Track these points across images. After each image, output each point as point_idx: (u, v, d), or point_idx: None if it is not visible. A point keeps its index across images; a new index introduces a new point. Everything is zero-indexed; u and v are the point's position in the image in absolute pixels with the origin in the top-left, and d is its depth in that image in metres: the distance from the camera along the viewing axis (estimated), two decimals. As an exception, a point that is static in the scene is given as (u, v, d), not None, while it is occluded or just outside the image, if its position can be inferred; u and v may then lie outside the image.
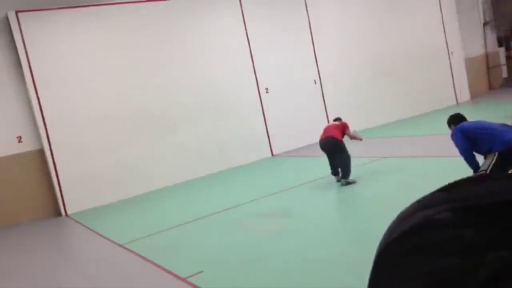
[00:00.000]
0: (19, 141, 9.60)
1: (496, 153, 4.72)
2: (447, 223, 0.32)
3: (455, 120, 5.29)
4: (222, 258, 5.41)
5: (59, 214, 9.63)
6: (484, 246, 0.29)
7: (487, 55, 17.21)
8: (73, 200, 9.67)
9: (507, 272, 0.27)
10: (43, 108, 9.56)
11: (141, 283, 5.16)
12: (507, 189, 0.32)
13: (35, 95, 9.50)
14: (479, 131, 4.93)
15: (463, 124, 5.16)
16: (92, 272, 5.85)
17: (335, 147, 7.66)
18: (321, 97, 12.95)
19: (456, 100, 15.29)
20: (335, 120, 8.51)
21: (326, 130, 8.00)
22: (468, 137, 4.95)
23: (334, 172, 7.86)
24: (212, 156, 11.10)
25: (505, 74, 17.73)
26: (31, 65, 9.47)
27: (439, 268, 0.30)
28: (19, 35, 9.40)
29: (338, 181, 7.77)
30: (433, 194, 0.35)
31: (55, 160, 9.62)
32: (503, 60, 17.57)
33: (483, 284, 0.28)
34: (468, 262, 0.29)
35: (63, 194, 9.66)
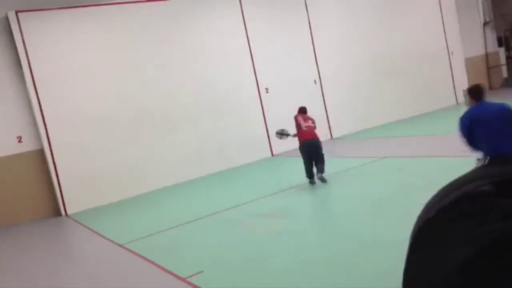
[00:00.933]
0: (19, 141, 9.59)
1: (488, 158, 4.66)
2: (490, 193, 0.34)
3: (475, 94, 4.95)
4: (222, 258, 5.41)
5: (59, 214, 9.63)
6: None
7: (487, 55, 17.22)
8: (73, 200, 9.67)
9: None
10: (43, 108, 9.56)
11: (141, 283, 5.15)
12: None
13: (35, 95, 9.50)
14: (481, 129, 4.80)
15: (475, 111, 4.88)
16: (92, 272, 5.85)
17: (320, 148, 7.87)
18: (321, 97, 12.95)
19: (456, 100, 15.29)
20: (303, 111, 8.29)
21: (309, 129, 7.96)
22: (470, 127, 4.79)
23: (311, 175, 7.90)
24: (212, 156, 11.10)
25: (505, 74, 17.73)
26: (31, 65, 9.47)
27: (491, 231, 0.32)
28: (19, 35, 9.40)
29: (313, 183, 7.88)
30: (473, 171, 0.38)
31: (55, 160, 9.62)
32: (503, 60, 17.58)
33: None
34: None
35: (63, 194, 9.66)
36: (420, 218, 0.39)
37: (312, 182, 7.89)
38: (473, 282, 0.32)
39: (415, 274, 0.38)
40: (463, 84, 15.51)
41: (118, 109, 10.18)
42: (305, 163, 7.89)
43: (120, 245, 6.57)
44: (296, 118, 8.10)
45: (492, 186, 0.35)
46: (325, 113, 12.91)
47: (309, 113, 12.60)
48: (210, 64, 11.32)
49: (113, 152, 10.08)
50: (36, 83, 9.50)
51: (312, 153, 7.81)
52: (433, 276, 0.35)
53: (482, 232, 0.33)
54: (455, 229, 0.35)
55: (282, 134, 8.29)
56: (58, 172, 9.63)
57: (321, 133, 12.73)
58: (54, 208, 9.69)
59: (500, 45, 17.55)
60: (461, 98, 15.40)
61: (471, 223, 0.34)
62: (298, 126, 7.98)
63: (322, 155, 7.85)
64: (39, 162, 9.68)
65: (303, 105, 8.60)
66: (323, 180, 7.84)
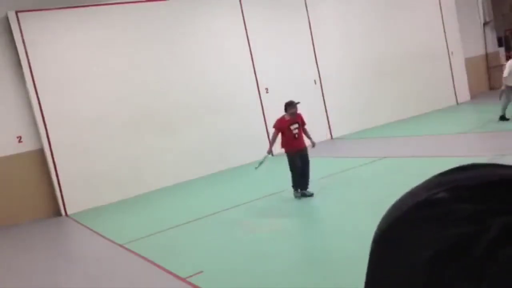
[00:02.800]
0: (19, 141, 9.59)
1: None
2: (446, 200, 0.36)
3: None
4: (222, 258, 5.41)
5: (59, 214, 9.63)
6: (483, 215, 0.33)
7: (487, 55, 17.21)
8: (73, 200, 9.67)
9: (504, 235, 0.31)
10: (43, 108, 9.56)
11: (141, 283, 5.16)
12: (488, 173, 0.38)
13: (35, 95, 9.50)
14: None
15: None
16: (92, 272, 5.85)
17: (308, 162, 7.23)
18: (321, 97, 12.95)
19: (456, 100, 15.29)
20: (291, 106, 7.42)
21: (299, 136, 7.25)
22: None
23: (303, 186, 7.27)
24: (212, 156, 11.10)
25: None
26: (31, 65, 9.47)
27: (447, 235, 0.33)
28: (19, 35, 9.40)
29: (299, 196, 7.20)
30: (428, 180, 0.40)
31: (55, 160, 9.62)
32: (503, 60, 17.57)
33: (490, 243, 0.31)
34: (472, 228, 0.32)
35: (63, 194, 9.66)
36: (380, 226, 0.40)
37: (299, 195, 7.25)
38: (431, 286, 0.33)
39: (376, 279, 0.39)
40: (463, 84, 15.52)
41: (118, 109, 10.18)
42: (296, 174, 7.18)
43: (120, 245, 6.57)
44: (282, 126, 7.29)
45: (446, 192, 0.37)
46: (325, 113, 12.91)
47: (309, 113, 12.65)
48: (210, 64, 11.32)
49: (113, 152, 10.08)
50: (36, 83, 9.50)
51: (303, 166, 7.13)
52: (393, 281, 0.36)
53: (438, 237, 0.34)
54: (414, 235, 0.36)
55: (261, 162, 7.49)
56: (58, 172, 9.63)
57: (321, 133, 12.78)
58: (54, 208, 9.69)
59: (500, 45, 17.54)
60: (465, 97, 15.40)
61: (429, 228, 0.35)
62: (283, 134, 7.25)
63: (308, 164, 7.19)
64: (39, 162, 9.68)
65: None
66: (309, 194, 7.25)
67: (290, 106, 7.41)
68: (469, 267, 0.31)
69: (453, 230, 0.33)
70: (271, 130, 7.80)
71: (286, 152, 7.37)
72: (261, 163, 7.54)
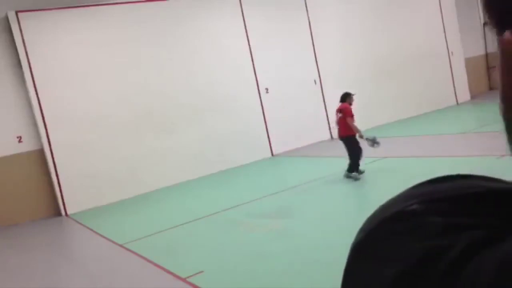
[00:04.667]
0: (19, 141, 9.60)
1: None
2: (418, 212, 0.36)
3: None
4: (222, 258, 5.41)
5: (59, 214, 9.63)
6: (454, 228, 0.33)
7: (487, 55, 17.21)
8: (73, 200, 9.67)
9: (476, 246, 0.31)
10: (43, 108, 9.56)
11: (141, 283, 5.16)
12: (460, 186, 0.38)
13: (35, 95, 9.50)
14: None
15: None
16: (92, 272, 5.85)
17: (345, 143, 7.81)
18: (321, 97, 12.95)
19: (456, 100, 15.29)
20: (341, 99, 8.05)
21: (339, 124, 7.90)
22: None
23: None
24: (212, 156, 11.10)
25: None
26: (31, 65, 9.47)
27: (417, 249, 0.33)
28: (19, 35, 9.40)
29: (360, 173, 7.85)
30: (402, 192, 0.41)
31: (55, 160, 9.62)
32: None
33: (455, 258, 0.31)
34: (441, 242, 0.32)
35: (63, 194, 9.66)
36: (355, 237, 0.41)
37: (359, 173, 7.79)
38: None
39: None
40: (463, 84, 15.52)
41: (118, 109, 10.18)
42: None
43: (120, 245, 6.58)
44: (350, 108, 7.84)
45: (418, 205, 0.37)
46: (325, 113, 12.91)
47: (309, 113, 12.68)
48: (210, 64, 11.32)
49: (113, 152, 10.09)
50: (36, 83, 9.50)
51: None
52: None
53: (407, 251, 0.34)
54: (385, 248, 0.36)
55: (374, 141, 7.80)
56: (58, 172, 9.63)
57: (321, 133, 12.78)
58: (54, 208, 9.69)
59: (500, 45, 17.53)
60: (465, 97, 15.41)
61: (399, 241, 0.35)
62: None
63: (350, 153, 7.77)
64: (39, 162, 9.68)
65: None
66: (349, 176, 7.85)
67: (351, 95, 8.06)
68: (434, 284, 0.31)
69: (422, 244, 0.33)
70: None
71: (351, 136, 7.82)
72: (374, 143, 7.76)
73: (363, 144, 7.76)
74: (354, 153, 7.72)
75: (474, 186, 0.37)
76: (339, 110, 7.88)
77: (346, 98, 8.00)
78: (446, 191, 0.38)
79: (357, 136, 7.67)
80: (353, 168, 7.77)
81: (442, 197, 0.37)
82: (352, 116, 7.73)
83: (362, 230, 0.40)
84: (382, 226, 0.38)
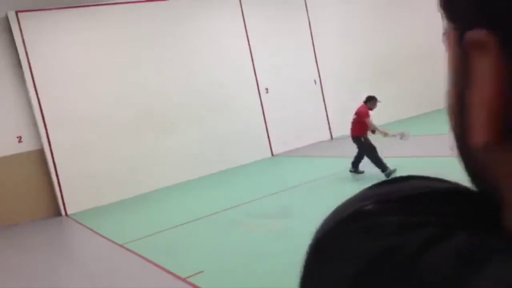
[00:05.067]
0: (19, 141, 9.60)
1: None
2: (373, 212, 0.37)
3: None
4: (222, 258, 5.41)
5: (59, 214, 9.63)
6: (408, 227, 0.34)
7: (487, 55, 17.21)
8: (73, 200, 9.67)
9: (431, 242, 0.32)
10: (43, 108, 9.56)
11: (141, 283, 5.16)
12: (417, 186, 0.39)
13: (35, 95, 9.50)
14: None
15: None
16: (92, 272, 5.85)
17: (356, 144, 7.89)
18: (321, 97, 12.95)
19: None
20: (364, 100, 8.18)
21: (352, 124, 8.04)
22: None
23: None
24: (212, 156, 11.10)
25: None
26: (31, 65, 9.47)
27: (375, 247, 0.34)
28: (19, 35, 9.40)
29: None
30: (358, 193, 0.42)
31: (55, 160, 9.62)
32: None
33: (416, 252, 0.32)
34: (398, 239, 0.33)
35: (63, 194, 9.66)
36: (313, 237, 0.41)
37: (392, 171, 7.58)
38: None
39: None
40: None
41: (118, 109, 10.18)
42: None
43: (120, 245, 6.58)
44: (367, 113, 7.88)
45: (375, 205, 0.38)
46: (325, 113, 12.91)
47: (309, 113, 12.68)
48: (210, 64, 11.32)
49: (113, 152, 10.09)
50: (36, 83, 9.50)
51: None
52: None
53: (364, 250, 0.34)
54: (341, 248, 0.37)
55: (402, 135, 7.83)
56: (58, 172, 9.63)
57: (321, 133, 12.78)
58: (54, 208, 9.69)
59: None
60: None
61: (356, 241, 0.36)
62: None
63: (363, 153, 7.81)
64: (39, 162, 9.68)
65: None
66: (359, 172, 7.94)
67: (375, 101, 8.17)
68: (394, 279, 0.32)
69: (380, 242, 0.34)
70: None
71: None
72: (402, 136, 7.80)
73: (378, 142, 7.77)
74: (367, 152, 7.71)
75: (422, 187, 0.39)
76: (356, 113, 8.04)
77: (368, 101, 8.08)
78: (398, 192, 0.39)
79: (368, 133, 7.73)
80: (379, 167, 7.58)
81: (395, 197, 0.38)
82: (367, 117, 7.83)
83: (319, 230, 0.41)
84: (339, 226, 0.38)
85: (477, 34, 0.29)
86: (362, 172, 7.97)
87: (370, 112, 7.98)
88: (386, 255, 0.33)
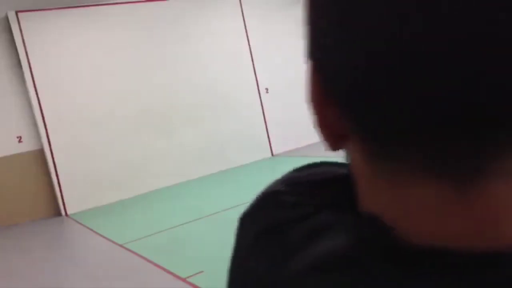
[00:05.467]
0: (19, 141, 9.60)
1: None
2: (281, 192, 0.47)
3: None
4: (223, 258, 5.36)
5: (59, 214, 9.63)
6: (298, 205, 0.44)
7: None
8: (73, 200, 9.67)
9: (300, 219, 0.42)
10: (43, 108, 9.56)
11: (141, 283, 5.16)
12: (317, 173, 0.49)
13: (35, 95, 9.50)
14: None
15: None
16: (92, 272, 5.85)
17: None
18: (321, 97, 12.95)
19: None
20: None
21: None
22: None
23: None
24: (212, 156, 11.10)
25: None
26: (31, 65, 9.47)
27: (274, 217, 0.45)
28: (19, 35, 9.40)
29: None
30: (282, 176, 0.52)
31: (55, 160, 9.62)
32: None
33: (288, 227, 0.42)
34: (288, 214, 0.44)
35: (63, 194, 9.66)
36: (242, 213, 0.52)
37: None
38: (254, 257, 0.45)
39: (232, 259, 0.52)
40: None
41: (118, 109, 10.18)
42: None
43: (120, 245, 6.58)
44: None
45: (285, 187, 0.49)
46: (325, 113, 12.91)
47: (309, 113, 12.66)
48: (210, 64, 11.32)
49: (113, 152, 10.09)
50: (36, 83, 9.50)
51: None
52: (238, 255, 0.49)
53: (268, 218, 0.46)
54: (256, 218, 0.48)
55: None
56: (58, 172, 9.63)
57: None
58: (54, 208, 9.69)
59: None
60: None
61: (265, 213, 0.47)
62: None
63: None
64: (39, 162, 9.68)
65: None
66: None
67: None
68: (273, 244, 0.43)
69: (276, 215, 0.45)
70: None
71: None
72: None
73: None
74: None
75: (327, 172, 0.48)
76: None
77: None
78: (307, 176, 0.49)
79: None
80: None
81: (304, 181, 0.48)
82: None
83: (248, 206, 0.52)
84: (257, 202, 0.50)
85: (309, 63, 0.43)
86: None
87: None
88: (275, 224, 0.44)
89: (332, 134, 0.39)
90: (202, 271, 5.01)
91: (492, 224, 0.32)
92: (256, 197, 0.51)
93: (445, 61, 0.28)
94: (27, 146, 9.65)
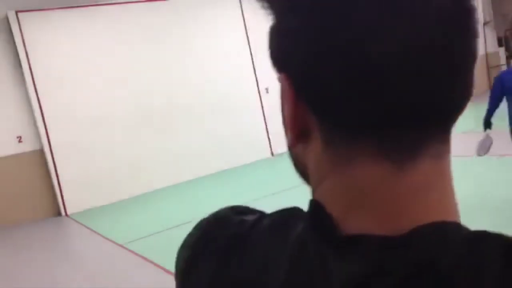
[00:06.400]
0: (19, 141, 9.60)
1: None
2: (230, 214, 0.69)
3: None
4: (222, 258, 5.40)
5: (59, 214, 9.63)
6: (244, 221, 0.62)
7: (487, 55, 17.21)
8: (73, 200, 9.67)
9: (254, 223, 0.60)
10: (43, 108, 9.56)
11: (141, 283, 5.16)
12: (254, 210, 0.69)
13: (35, 95, 9.50)
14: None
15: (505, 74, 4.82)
16: (92, 272, 5.85)
17: None
18: (321, 97, 12.95)
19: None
20: None
21: None
22: (503, 89, 4.68)
23: None
24: (212, 156, 11.10)
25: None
26: (31, 65, 9.47)
27: (230, 230, 0.60)
28: (19, 35, 9.40)
29: None
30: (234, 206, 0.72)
31: (55, 160, 9.62)
32: (503, 60, 17.56)
33: (246, 231, 0.58)
34: (238, 228, 0.60)
35: (63, 194, 9.66)
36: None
37: None
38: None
39: None
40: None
41: (118, 109, 10.18)
42: None
43: (120, 245, 6.58)
44: None
45: (233, 210, 0.72)
46: (325, 113, 12.91)
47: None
48: (210, 64, 11.32)
49: (113, 152, 10.08)
50: (36, 83, 9.50)
51: None
52: None
53: (225, 231, 0.62)
54: (216, 228, 0.66)
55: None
56: (58, 172, 9.63)
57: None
58: (54, 208, 9.69)
59: (500, 45, 17.54)
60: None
61: (222, 227, 0.65)
62: None
63: None
64: (39, 162, 9.68)
65: None
66: None
67: None
68: (232, 250, 0.57)
69: (231, 229, 0.61)
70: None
71: None
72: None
73: None
74: None
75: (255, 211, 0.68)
76: None
77: None
78: (244, 208, 0.71)
79: None
80: None
81: (241, 209, 0.69)
82: None
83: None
84: (209, 224, 0.69)
85: (281, 75, 0.51)
86: None
87: None
88: (234, 235, 0.58)
89: (298, 127, 0.49)
90: (202, 271, 5.00)
91: (421, 192, 0.43)
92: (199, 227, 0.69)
93: (383, 71, 0.40)
94: (27, 146, 9.65)
